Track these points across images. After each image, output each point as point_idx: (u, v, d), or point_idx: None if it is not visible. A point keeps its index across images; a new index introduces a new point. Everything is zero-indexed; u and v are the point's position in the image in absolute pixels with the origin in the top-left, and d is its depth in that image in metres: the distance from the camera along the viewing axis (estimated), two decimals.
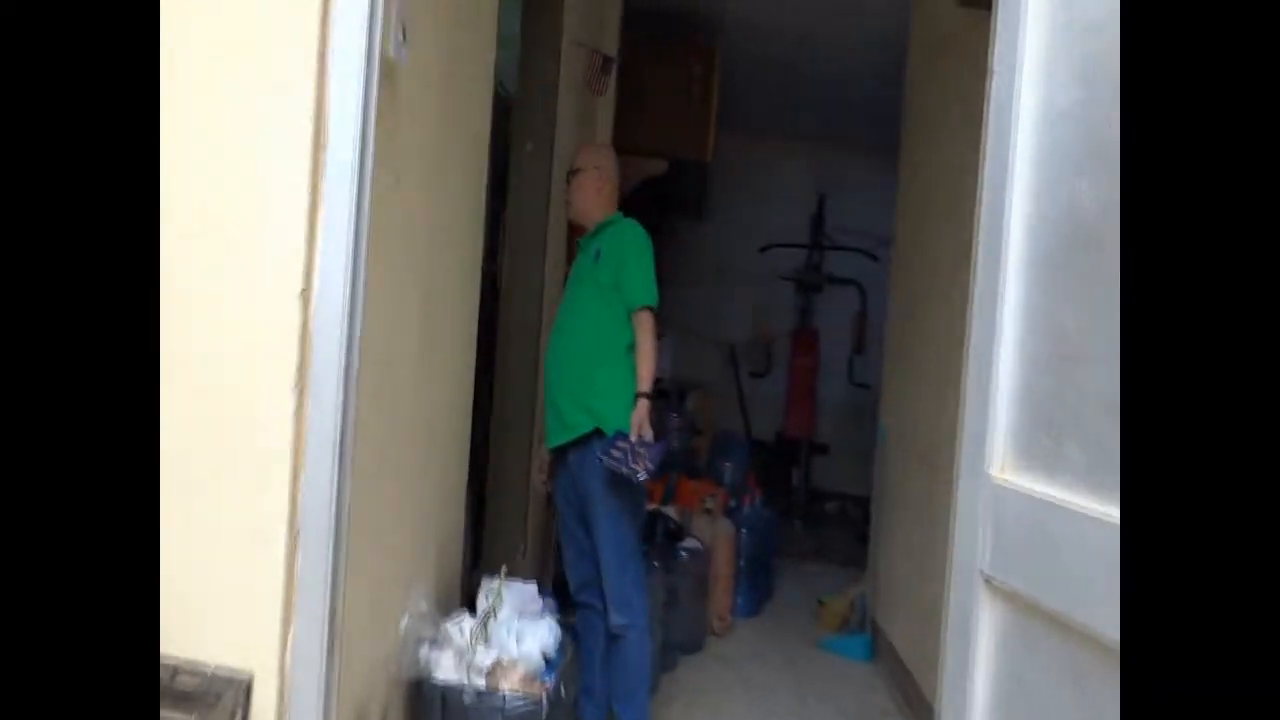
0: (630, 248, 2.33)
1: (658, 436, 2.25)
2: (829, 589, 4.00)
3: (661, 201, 5.03)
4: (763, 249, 5.85)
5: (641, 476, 2.13)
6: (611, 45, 3.44)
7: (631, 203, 4.93)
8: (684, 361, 5.92)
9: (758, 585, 3.85)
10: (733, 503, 3.96)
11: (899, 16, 3.39)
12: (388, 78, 1.33)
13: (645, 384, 2.27)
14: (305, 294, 1.21)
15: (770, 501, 4.50)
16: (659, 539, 3.08)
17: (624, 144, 3.73)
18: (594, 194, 2.43)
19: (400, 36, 1.31)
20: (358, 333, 1.25)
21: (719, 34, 4.14)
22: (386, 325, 1.45)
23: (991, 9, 1.10)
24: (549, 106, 2.73)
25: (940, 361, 2.59)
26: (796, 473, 5.69)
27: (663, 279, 2.33)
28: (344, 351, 1.23)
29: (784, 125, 5.88)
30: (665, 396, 5.22)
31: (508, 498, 2.71)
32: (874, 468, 3.43)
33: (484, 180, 2.15)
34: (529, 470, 2.61)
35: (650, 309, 2.31)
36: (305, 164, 1.21)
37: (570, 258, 2.73)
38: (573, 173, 2.46)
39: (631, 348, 2.31)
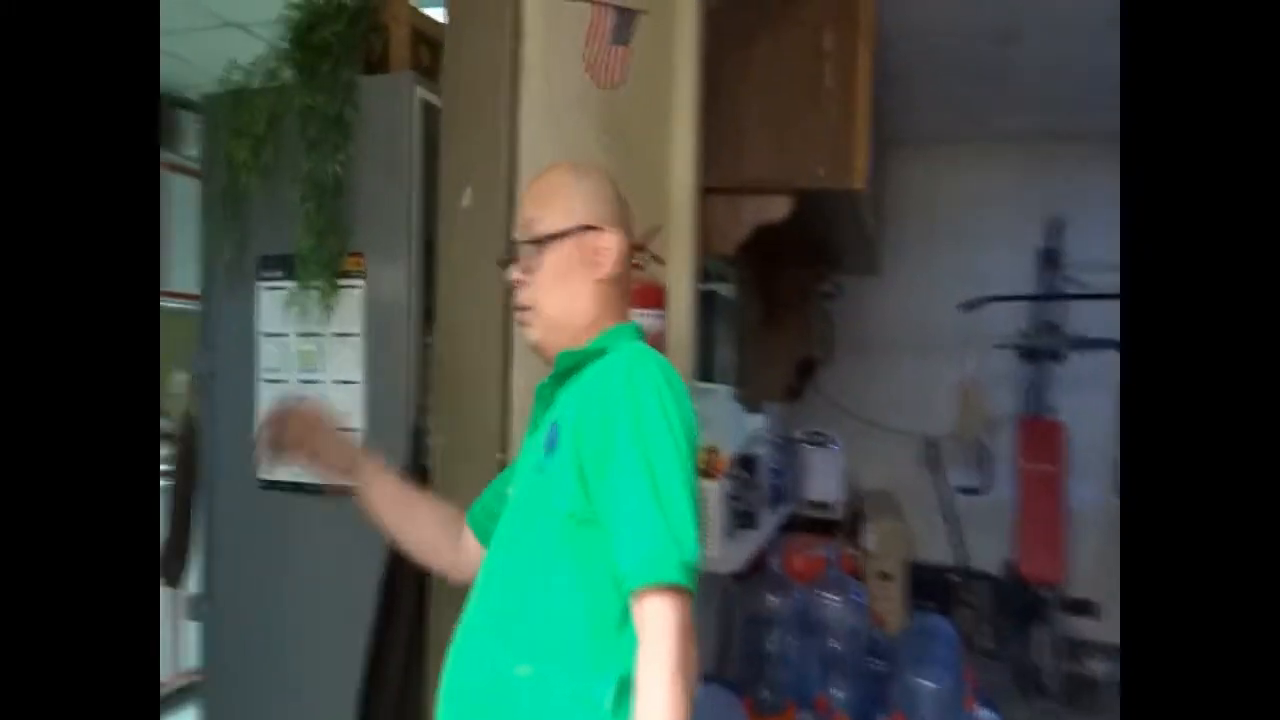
0: (622, 423, 0.93)
1: None
2: None
3: (805, 254, 3.54)
4: (967, 305, 4.13)
5: None
6: None
7: (749, 263, 3.49)
8: (862, 466, 4.29)
9: None
10: None
11: None
12: None
13: None
14: None
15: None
16: None
17: (713, 178, 2.33)
18: (561, 292, 1.07)
19: None
20: None
21: None
22: None
23: None
24: (498, 117, 1.40)
25: None
26: (1040, 629, 3.83)
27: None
28: None
29: (985, 121, 4.15)
30: (832, 528, 3.66)
31: None
32: None
33: None
34: None
35: (677, 590, 0.89)
36: None
37: None
38: (530, 243, 1.09)
39: (630, 686, 0.90)
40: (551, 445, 1.00)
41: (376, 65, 1.66)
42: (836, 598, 2.69)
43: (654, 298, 1.81)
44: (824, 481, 3.75)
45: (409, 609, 1.51)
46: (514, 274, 1.10)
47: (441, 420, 1.44)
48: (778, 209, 2.32)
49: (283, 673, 1.65)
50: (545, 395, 1.10)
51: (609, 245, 1.08)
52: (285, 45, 1.62)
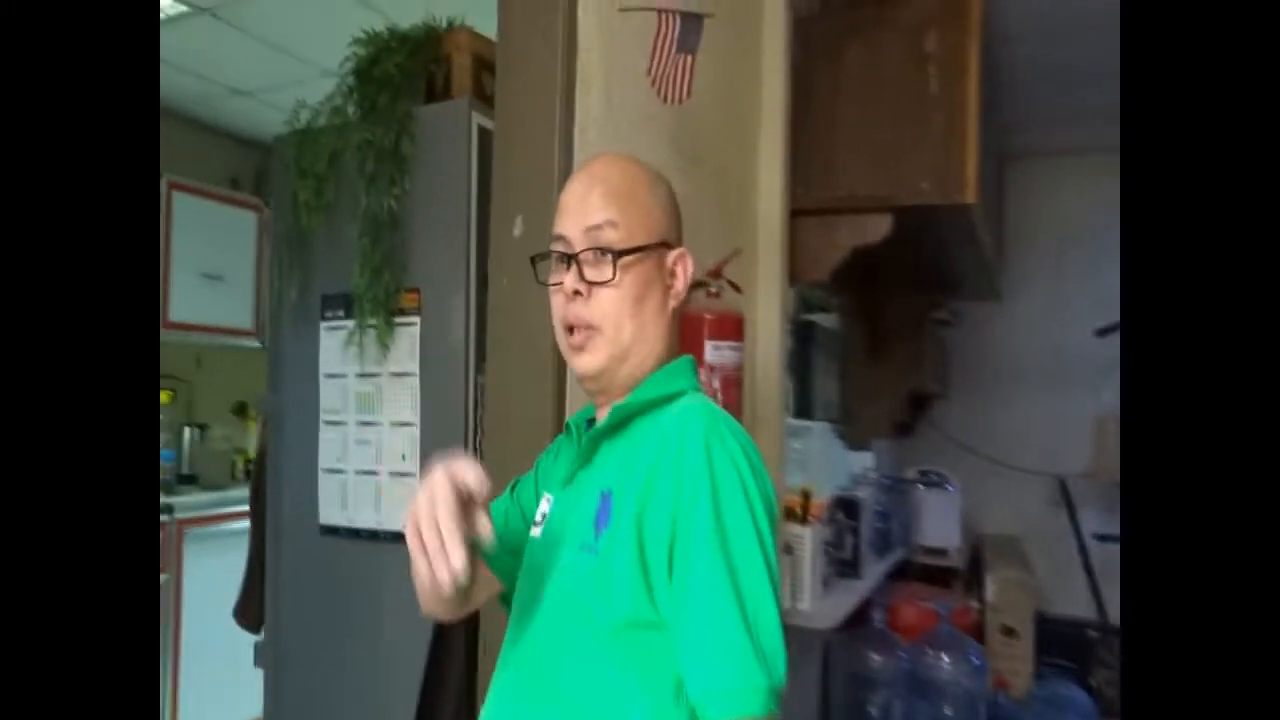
0: (700, 514, 0.77)
1: None
2: None
3: (914, 279, 3.29)
4: (1102, 331, 3.73)
5: None
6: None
7: (852, 290, 3.27)
8: (985, 509, 3.93)
9: None
10: None
11: None
12: None
13: None
14: None
15: None
16: None
17: (803, 198, 2.16)
18: (637, 317, 0.90)
19: None
20: None
21: None
22: None
23: None
24: (552, 139, 1.30)
25: None
26: None
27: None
28: None
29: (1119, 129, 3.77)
30: (948, 578, 3.35)
31: None
32: None
33: None
34: None
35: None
36: None
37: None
38: (602, 251, 0.90)
39: None
40: (603, 523, 0.82)
41: (440, 95, 1.61)
42: (948, 657, 2.41)
43: (732, 328, 1.66)
44: (939, 526, 3.45)
45: (459, 659, 1.42)
46: (569, 283, 0.90)
47: (492, 466, 1.34)
48: (876, 229, 2.13)
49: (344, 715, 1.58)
50: (584, 443, 0.93)
51: (684, 267, 0.94)
52: (350, 81, 1.59)
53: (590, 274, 0.89)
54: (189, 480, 3.21)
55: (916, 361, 3.59)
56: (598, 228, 0.89)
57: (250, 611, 1.83)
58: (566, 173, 1.32)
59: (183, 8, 2.49)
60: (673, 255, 0.93)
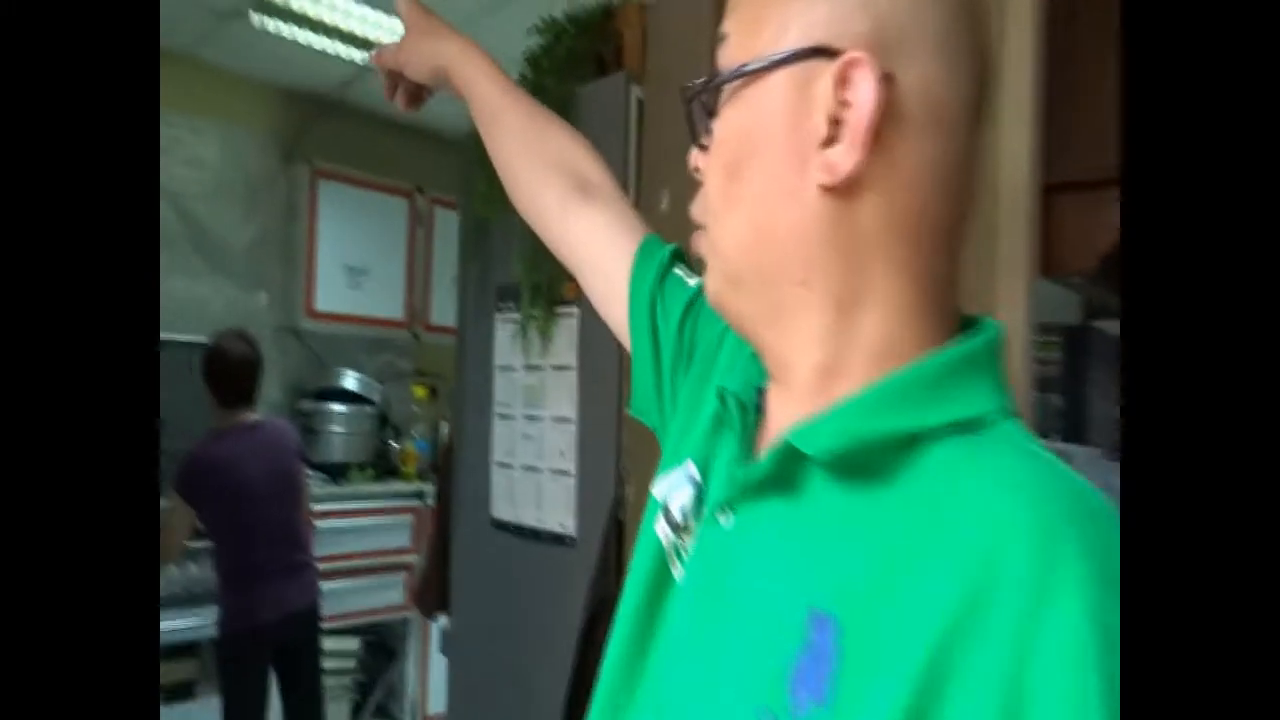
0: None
1: None
2: None
3: None
4: None
5: None
6: None
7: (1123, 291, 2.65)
8: None
9: None
10: None
11: None
12: None
13: None
14: None
15: None
16: None
17: (1061, 170, 1.77)
18: (739, 200, 0.47)
19: None
20: None
21: None
22: None
23: None
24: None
25: None
26: None
27: None
28: None
29: None
30: None
31: None
32: None
33: None
34: None
35: None
36: None
37: None
38: (703, 95, 0.49)
39: None
40: (811, 685, 0.40)
41: (610, 74, 1.53)
42: None
43: None
44: None
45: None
46: (693, 158, 0.52)
47: (632, 467, 1.22)
48: None
49: (508, 711, 1.55)
50: (773, 455, 0.45)
51: (866, 80, 0.42)
52: (525, 71, 1.58)
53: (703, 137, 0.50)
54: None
55: None
56: (714, 52, 0.51)
57: (427, 598, 1.89)
58: None
59: None
60: (832, 67, 0.43)
